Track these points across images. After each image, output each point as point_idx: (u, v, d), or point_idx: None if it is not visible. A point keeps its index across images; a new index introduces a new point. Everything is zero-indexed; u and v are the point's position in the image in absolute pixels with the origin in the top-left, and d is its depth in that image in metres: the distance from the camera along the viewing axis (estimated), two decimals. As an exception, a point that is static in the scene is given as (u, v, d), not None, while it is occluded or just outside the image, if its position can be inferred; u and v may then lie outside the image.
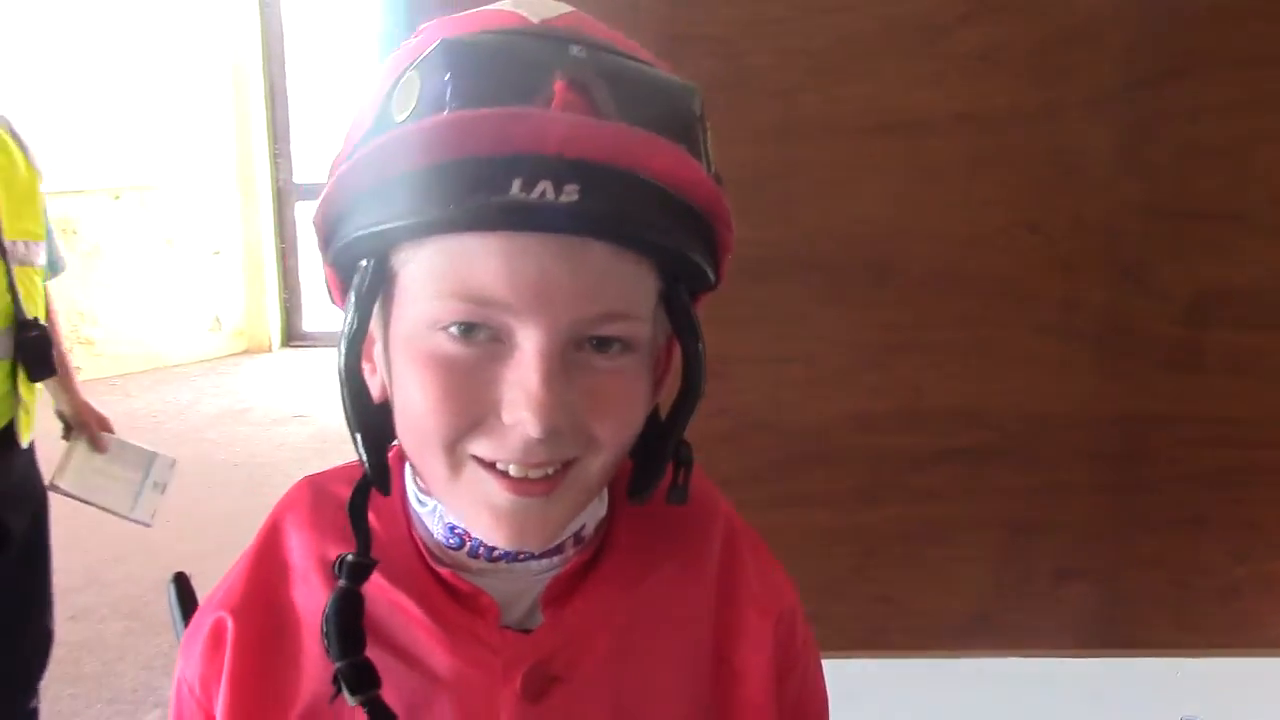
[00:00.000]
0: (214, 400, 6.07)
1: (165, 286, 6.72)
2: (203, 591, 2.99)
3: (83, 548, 4.07)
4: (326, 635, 0.72)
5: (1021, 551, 1.68)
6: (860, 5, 1.54)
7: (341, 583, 0.73)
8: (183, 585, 0.95)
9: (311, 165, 7.45)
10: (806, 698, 0.88)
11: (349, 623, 0.72)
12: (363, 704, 0.71)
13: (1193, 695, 1.62)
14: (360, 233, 0.68)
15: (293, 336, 7.38)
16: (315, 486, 0.84)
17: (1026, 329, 1.62)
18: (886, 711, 1.40)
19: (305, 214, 7.35)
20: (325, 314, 7.51)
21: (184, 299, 6.82)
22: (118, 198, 6.51)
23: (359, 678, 0.72)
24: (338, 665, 0.72)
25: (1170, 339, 1.63)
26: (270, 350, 7.19)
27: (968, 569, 1.69)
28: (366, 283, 0.70)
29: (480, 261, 0.65)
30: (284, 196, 7.29)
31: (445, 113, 0.64)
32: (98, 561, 3.96)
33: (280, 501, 0.84)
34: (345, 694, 0.71)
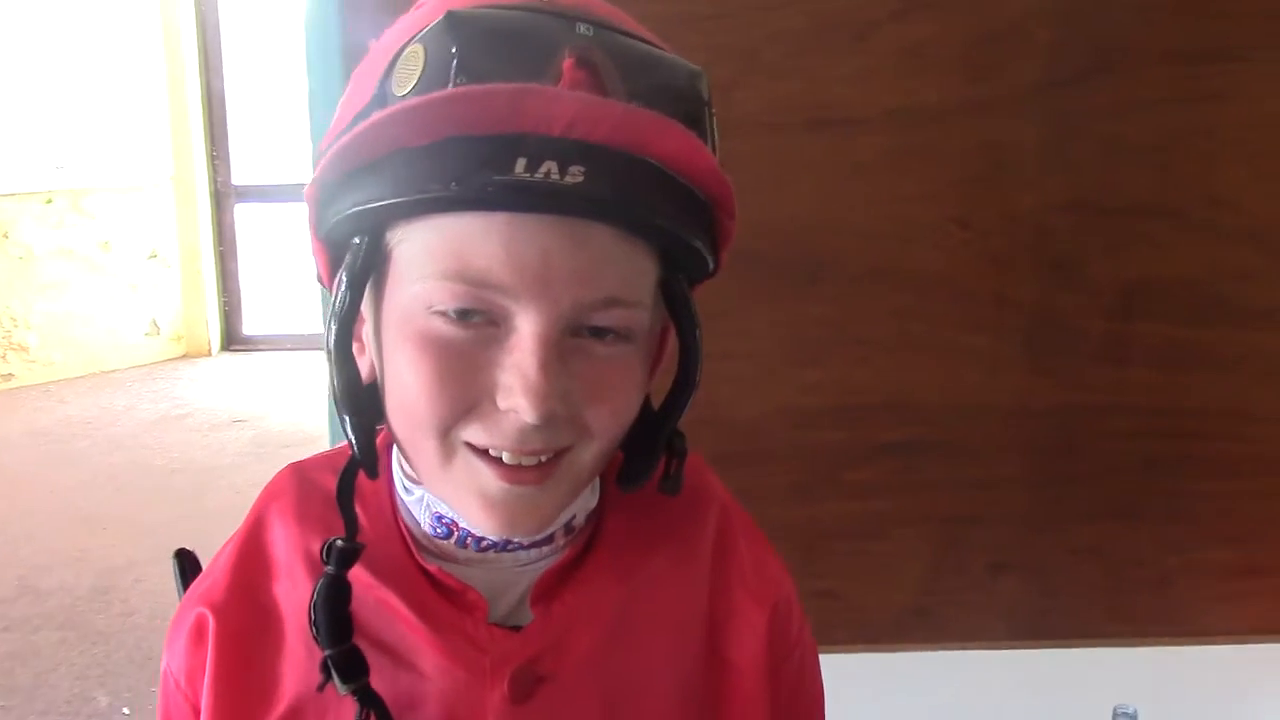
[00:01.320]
0: (152, 406, 5.97)
1: (101, 291, 6.60)
2: (135, 603, 2.94)
3: (15, 557, 4.00)
4: (315, 623, 0.71)
5: (956, 545, 1.69)
6: (791, 2, 1.54)
7: (329, 569, 0.71)
8: (186, 562, 0.91)
9: (250, 168, 7.36)
10: (802, 688, 0.87)
11: (337, 610, 0.71)
12: (352, 692, 0.70)
13: (1126, 685, 1.63)
14: (356, 208, 0.66)
15: (232, 341, 7.27)
16: (300, 476, 0.82)
17: (958, 324, 1.63)
18: (832, 709, 1.40)
19: (244, 217, 7.27)
20: (265, 318, 7.43)
21: (120, 303, 6.70)
22: (50, 201, 6.38)
23: (348, 666, 0.71)
24: (327, 653, 0.71)
25: (1100, 333, 1.65)
26: (209, 355, 7.08)
27: (904, 563, 1.70)
28: (360, 261, 0.68)
29: (480, 242, 0.63)
30: (222, 199, 7.18)
31: (450, 87, 0.62)
32: (30, 571, 3.89)
33: (264, 491, 0.82)
34: (335, 682, 0.70)
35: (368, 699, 0.71)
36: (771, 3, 1.54)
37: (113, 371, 6.58)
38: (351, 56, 1.56)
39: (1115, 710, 1.52)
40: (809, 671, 0.88)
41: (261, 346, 7.18)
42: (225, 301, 7.25)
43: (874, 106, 1.58)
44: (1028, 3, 1.56)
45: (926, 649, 1.70)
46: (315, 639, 0.71)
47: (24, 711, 3.05)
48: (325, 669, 0.71)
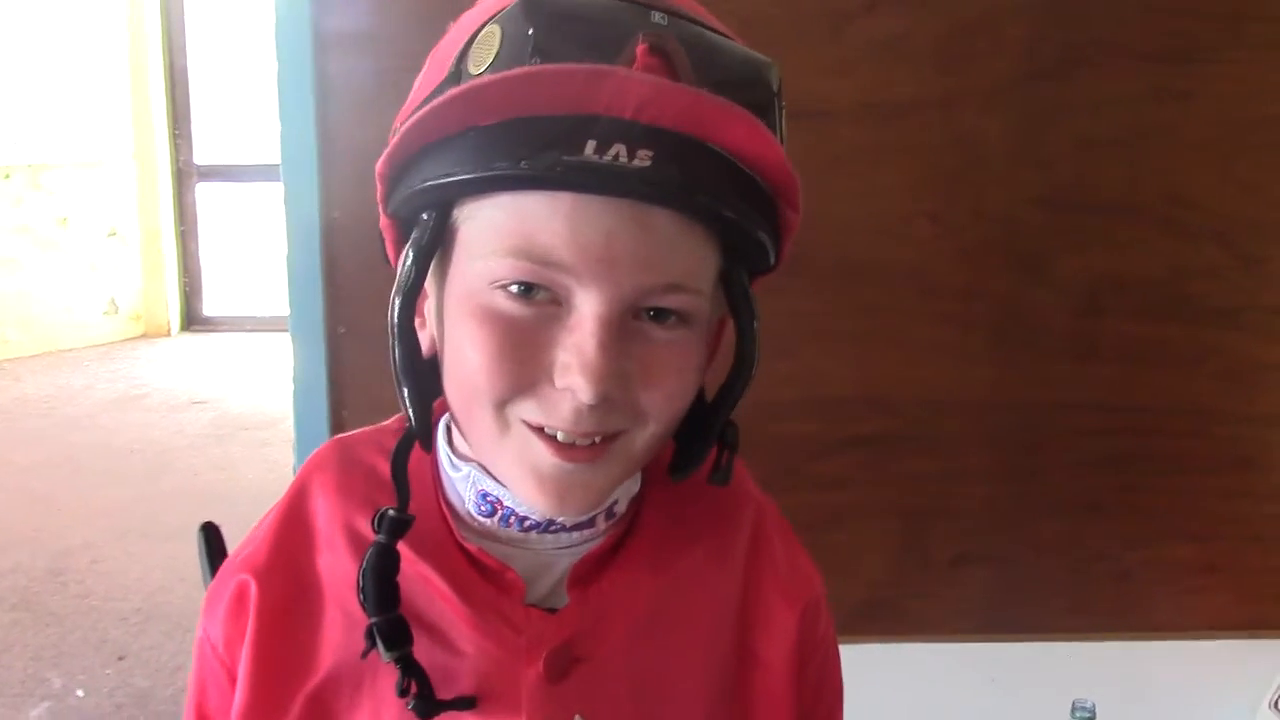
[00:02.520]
0: (110, 385, 5.90)
1: (59, 268, 6.52)
2: (91, 585, 2.91)
3: (-32, 537, 3.95)
4: (363, 590, 0.72)
5: (920, 537, 1.70)
6: (766, -8, 1.54)
7: (380, 538, 0.72)
8: (211, 536, 0.92)
9: (213, 147, 7.29)
10: (823, 685, 0.87)
11: (385, 579, 0.72)
12: (396, 660, 0.71)
13: (1086, 679, 1.65)
14: (428, 183, 0.67)
15: (192, 321, 7.21)
16: (344, 449, 0.83)
17: (927, 318, 1.64)
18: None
19: (206, 195, 7.20)
20: (226, 299, 7.36)
21: (78, 281, 6.63)
22: (8, 176, 6.29)
23: (393, 633, 0.72)
24: (373, 620, 0.71)
25: (1066, 329, 1.66)
26: (169, 335, 7.01)
27: (868, 555, 1.71)
28: (427, 236, 0.69)
29: (546, 221, 0.64)
30: (184, 177, 7.11)
31: (526, 67, 0.63)
32: (-16, 551, 3.84)
33: (308, 461, 0.83)
34: (380, 649, 0.71)
35: (410, 667, 0.72)
36: (747, -8, 1.54)
37: (70, 350, 6.51)
38: (322, 38, 1.55)
39: (1074, 704, 1.53)
40: (832, 668, 0.89)
41: (222, 327, 7.13)
42: (185, 281, 7.19)
43: (847, 99, 1.58)
44: (1001, -2, 1.57)
45: (888, 641, 1.71)
46: (362, 605, 0.72)
47: (-24, 693, 3.02)
48: (370, 636, 0.72)
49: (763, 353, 0.74)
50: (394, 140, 0.68)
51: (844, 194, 1.60)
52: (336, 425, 1.63)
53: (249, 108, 7.25)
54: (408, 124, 0.67)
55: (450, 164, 0.65)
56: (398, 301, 0.70)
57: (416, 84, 0.74)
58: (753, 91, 0.67)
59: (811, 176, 1.60)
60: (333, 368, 1.62)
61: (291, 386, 1.65)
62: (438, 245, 0.70)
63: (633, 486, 0.79)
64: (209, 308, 7.27)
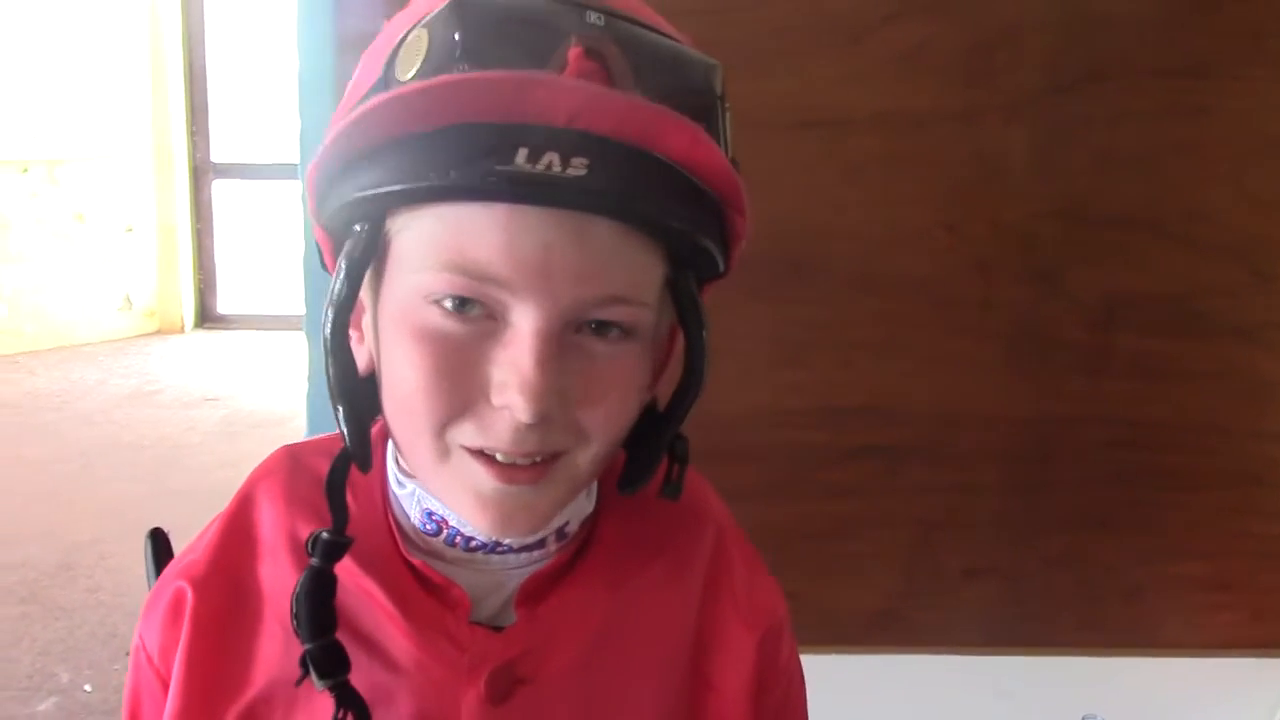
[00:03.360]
0: (123, 381, 5.92)
1: (74, 263, 6.54)
2: (100, 580, 2.91)
3: (-21, 530, 3.97)
4: (296, 616, 0.69)
5: (931, 549, 1.70)
6: (786, 0, 1.54)
7: (314, 561, 0.69)
8: (159, 542, 0.90)
9: (230, 144, 7.31)
10: (786, 714, 0.85)
11: (320, 603, 0.69)
12: (330, 689, 0.69)
13: (1094, 694, 1.64)
14: (356, 195, 0.64)
15: (206, 318, 7.23)
16: (293, 457, 0.80)
17: (942, 329, 1.64)
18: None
19: (222, 193, 7.22)
20: (241, 296, 7.38)
21: (94, 276, 6.65)
22: (26, 170, 6.32)
23: (328, 661, 0.69)
24: (307, 647, 0.69)
25: (1081, 343, 1.66)
26: (183, 331, 7.03)
27: (877, 566, 1.70)
28: (360, 249, 0.66)
29: (480, 233, 0.62)
30: (200, 174, 7.13)
31: (452, 73, 0.60)
32: (-6, 544, 3.86)
33: (256, 469, 0.80)
34: (313, 677, 0.69)
35: (346, 696, 0.69)
36: (766, 0, 1.54)
37: (84, 345, 6.53)
38: (344, 38, 1.55)
39: (1083, 719, 1.52)
40: (795, 696, 0.87)
41: (236, 325, 7.14)
42: (200, 278, 7.20)
43: (866, 109, 1.58)
44: (1022, 12, 1.57)
45: (896, 652, 1.71)
46: (295, 631, 0.69)
47: (-16, 685, 3.03)
48: (304, 664, 0.69)
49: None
50: (322, 146, 0.65)
51: (860, 204, 1.59)
52: (349, 426, 1.63)
53: (266, 106, 7.27)
54: (335, 131, 0.64)
55: (380, 175, 0.63)
56: (330, 315, 0.67)
57: (349, 86, 0.71)
58: (694, 96, 0.65)
59: (827, 186, 1.62)
60: (346, 368, 1.62)
61: (305, 385, 1.65)
62: (370, 258, 0.67)
63: (586, 505, 0.77)
64: (223, 305, 7.29)
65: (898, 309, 1.62)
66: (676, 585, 0.79)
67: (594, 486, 0.78)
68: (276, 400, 5.52)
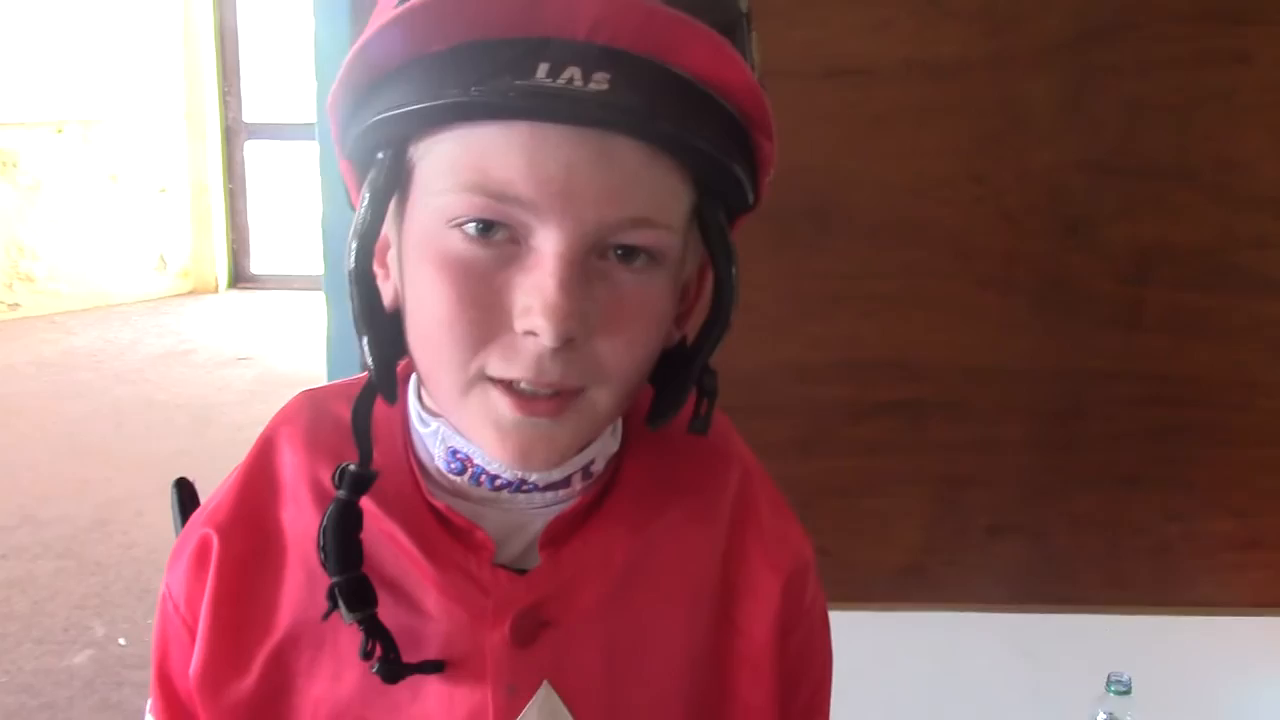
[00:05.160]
0: (157, 340, 5.96)
1: (109, 223, 6.57)
2: (135, 536, 2.93)
3: (16, 486, 4.02)
4: (323, 549, 0.69)
5: (956, 506, 1.68)
6: (810, -53, 1.51)
7: (341, 494, 0.69)
8: (184, 491, 0.89)
9: (262, 104, 7.31)
10: (808, 656, 0.84)
11: (347, 536, 0.69)
12: (359, 622, 0.69)
13: (1122, 652, 1.62)
14: (377, 117, 0.63)
15: (240, 278, 7.26)
16: (314, 402, 0.79)
17: (968, 282, 1.61)
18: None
19: (254, 154, 7.23)
20: (273, 257, 7.41)
21: (128, 237, 6.68)
22: (60, 131, 6.35)
23: (356, 594, 0.69)
24: (335, 580, 0.69)
25: (1111, 296, 1.63)
26: (216, 291, 7.06)
27: (902, 522, 1.69)
28: (383, 175, 0.66)
29: (501, 153, 0.61)
30: (233, 135, 7.14)
31: None
32: (31, 500, 3.90)
33: (276, 415, 0.80)
34: (342, 610, 0.68)
35: (374, 630, 0.69)
36: (791, -53, 1.51)
37: (119, 305, 6.58)
38: (359, 0, 1.54)
39: (1109, 677, 1.51)
40: (818, 639, 0.85)
41: (269, 285, 7.17)
42: (233, 239, 7.23)
43: (892, 57, 1.55)
44: (1052, -44, 1.53)
45: (921, 609, 1.70)
46: (323, 564, 0.69)
47: (20, 638, 3.06)
48: (332, 596, 0.69)
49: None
50: (341, 71, 0.65)
51: (885, 154, 1.57)
52: (369, 380, 1.63)
53: (298, 66, 7.27)
54: (351, 53, 0.63)
55: (399, 95, 0.62)
56: (354, 246, 0.66)
57: (371, 18, 0.70)
58: (718, 11, 0.63)
59: (852, 135, 1.60)
60: (366, 323, 1.62)
61: (326, 345, 1.65)
62: (394, 186, 0.66)
63: (611, 445, 0.76)
64: (256, 265, 7.32)
65: (922, 261, 1.60)
66: (702, 526, 0.78)
67: (619, 426, 0.77)
68: (309, 359, 5.55)
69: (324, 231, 1.62)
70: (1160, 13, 1.55)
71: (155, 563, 3.47)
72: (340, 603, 0.68)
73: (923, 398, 1.65)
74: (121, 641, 3.05)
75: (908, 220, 1.59)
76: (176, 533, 0.86)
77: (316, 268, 1.64)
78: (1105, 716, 1.49)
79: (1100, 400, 1.66)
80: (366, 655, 0.69)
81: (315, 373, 5.60)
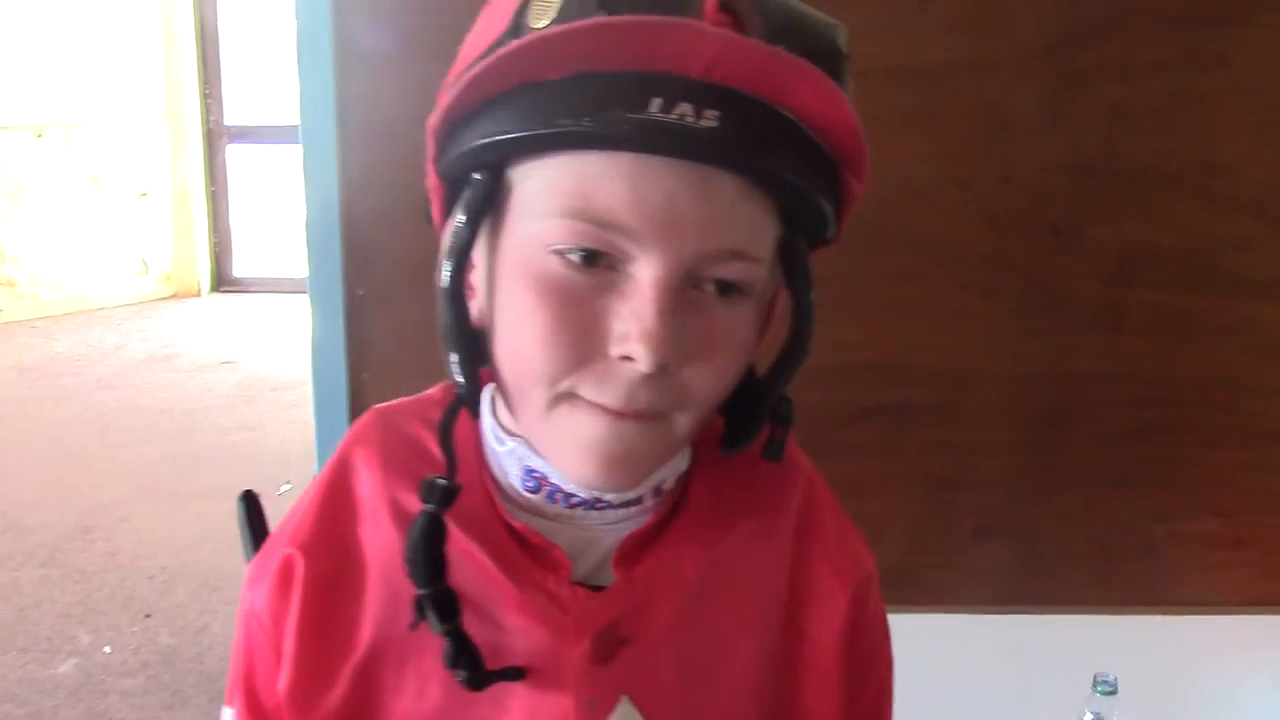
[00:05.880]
0: (140, 345, 5.94)
1: (90, 227, 6.53)
2: (119, 543, 2.92)
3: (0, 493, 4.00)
4: (411, 561, 0.70)
5: (942, 508, 1.69)
6: (794, -49, 1.51)
7: (428, 507, 0.70)
8: (252, 505, 0.91)
9: (243, 108, 7.28)
10: (873, 662, 0.86)
11: (434, 549, 0.71)
12: (446, 633, 0.70)
13: (1108, 653, 1.63)
14: (483, 140, 0.65)
15: (223, 282, 7.23)
16: (385, 420, 0.81)
17: (953, 285, 1.62)
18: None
19: (236, 157, 7.20)
20: (256, 260, 7.38)
21: (110, 241, 6.65)
22: (40, 135, 6.31)
23: (443, 606, 0.70)
24: (422, 592, 0.70)
25: (1095, 298, 1.64)
26: (199, 295, 7.03)
27: (889, 525, 1.69)
28: (479, 197, 0.67)
29: (605, 181, 0.62)
30: (214, 138, 7.11)
31: (594, 19, 0.60)
32: (14, 507, 3.88)
33: (349, 434, 0.82)
34: (431, 621, 0.70)
35: (460, 640, 0.71)
36: (774, -48, 1.51)
37: (101, 310, 6.54)
38: (341, 2, 1.54)
39: (1095, 678, 1.51)
40: (881, 645, 0.88)
41: (252, 288, 7.14)
42: (216, 242, 7.20)
43: (876, 62, 1.55)
44: (1035, -40, 1.54)
45: (908, 611, 1.69)
46: (411, 576, 0.71)
47: (5, 647, 3.05)
48: (419, 607, 0.71)
49: (781, 318, 0.73)
50: (450, 96, 0.66)
51: (871, 158, 1.56)
52: (355, 387, 1.63)
53: (280, 68, 7.24)
54: (466, 78, 0.65)
55: (509, 121, 0.63)
56: (448, 265, 0.68)
57: (467, 40, 0.71)
58: (823, 54, 0.64)
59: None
60: (351, 330, 1.62)
61: (310, 352, 1.65)
62: (490, 207, 0.68)
63: (681, 463, 0.78)
64: (239, 269, 7.29)
65: (909, 266, 1.61)
66: (769, 540, 0.80)
67: (688, 446, 0.78)
68: (293, 363, 5.53)
69: (307, 235, 1.62)
70: (1142, 17, 1.56)
71: (140, 570, 3.46)
72: (429, 613, 0.70)
73: (909, 401, 1.65)
74: (106, 650, 3.04)
75: (893, 225, 1.59)
76: (245, 545, 0.90)
77: (300, 271, 1.63)
78: (1092, 717, 1.50)
79: (1085, 402, 1.67)
80: (453, 665, 0.71)
81: (299, 375, 5.60)
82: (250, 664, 0.80)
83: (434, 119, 0.68)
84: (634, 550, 0.75)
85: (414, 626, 0.71)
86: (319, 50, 1.55)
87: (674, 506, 0.78)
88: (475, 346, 0.71)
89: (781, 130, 0.63)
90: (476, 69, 0.64)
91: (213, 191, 7.16)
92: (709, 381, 0.67)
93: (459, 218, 0.68)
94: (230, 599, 3.31)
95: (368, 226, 1.59)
